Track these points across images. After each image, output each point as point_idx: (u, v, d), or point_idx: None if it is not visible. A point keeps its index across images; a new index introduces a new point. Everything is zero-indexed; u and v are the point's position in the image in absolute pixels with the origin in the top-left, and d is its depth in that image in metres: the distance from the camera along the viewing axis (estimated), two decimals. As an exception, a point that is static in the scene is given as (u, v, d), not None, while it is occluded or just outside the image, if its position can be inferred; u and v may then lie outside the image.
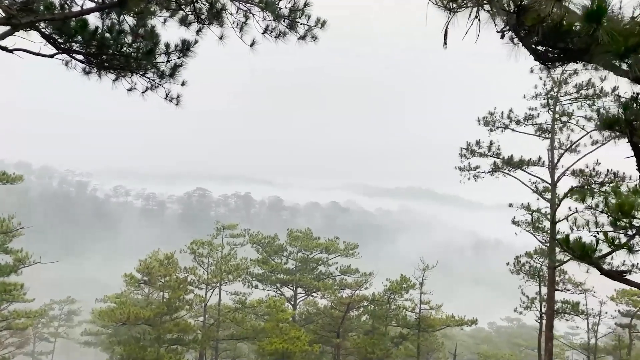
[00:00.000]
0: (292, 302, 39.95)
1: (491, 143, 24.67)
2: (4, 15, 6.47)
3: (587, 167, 23.19)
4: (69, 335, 54.96)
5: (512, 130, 25.04)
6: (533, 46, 5.30)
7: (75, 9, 7.11)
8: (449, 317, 35.01)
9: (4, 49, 7.01)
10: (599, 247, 7.28)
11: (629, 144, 6.05)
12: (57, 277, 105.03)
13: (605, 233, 7.75)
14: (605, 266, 7.65)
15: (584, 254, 7.28)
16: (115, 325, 36.18)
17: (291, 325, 32.69)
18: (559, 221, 22.71)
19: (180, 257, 34.37)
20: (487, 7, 5.30)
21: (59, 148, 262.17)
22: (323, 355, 37.84)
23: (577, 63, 11.41)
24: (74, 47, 7.54)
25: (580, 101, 24.10)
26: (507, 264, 30.33)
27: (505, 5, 5.09)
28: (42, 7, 6.77)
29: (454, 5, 5.59)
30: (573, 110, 24.49)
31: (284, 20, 8.32)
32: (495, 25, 5.26)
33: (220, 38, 8.40)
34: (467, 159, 25.06)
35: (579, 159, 23.92)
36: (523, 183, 25.29)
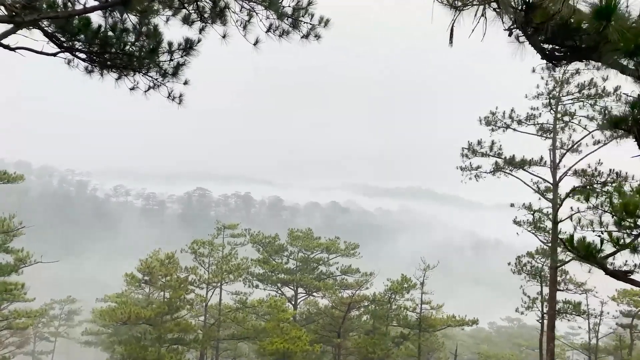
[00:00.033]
0: (293, 302, 39.93)
1: (493, 143, 24.68)
2: (7, 13, 6.43)
3: (589, 167, 23.24)
4: (69, 334, 54.94)
5: (514, 130, 25.01)
6: (540, 44, 5.26)
7: (78, 7, 7.05)
8: (450, 317, 34.98)
9: (7, 47, 6.97)
10: (603, 247, 7.26)
11: (635, 143, 6.01)
12: (57, 277, 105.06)
13: (610, 233, 7.73)
14: (608, 266, 7.63)
15: (588, 253, 7.26)
16: (116, 325, 36.18)
17: (292, 325, 32.69)
18: (561, 221, 22.67)
19: (181, 256, 34.35)
20: (494, 4, 5.26)
21: (59, 148, 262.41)
22: (324, 355, 37.85)
23: (582, 62, 11.37)
24: (76, 46, 7.51)
25: (582, 101, 24.07)
26: (509, 264, 30.30)
27: (513, 2, 5.05)
28: (45, 5, 6.73)
29: (460, 4, 5.55)
30: (575, 110, 24.50)
31: (287, 19, 8.29)
32: (503, 22, 5.22)
33: (224, 37, 8.36)
34: (469, 158, 25.06)
35: (581, 159, 23.96)
36: (525, 183, 25.28)
